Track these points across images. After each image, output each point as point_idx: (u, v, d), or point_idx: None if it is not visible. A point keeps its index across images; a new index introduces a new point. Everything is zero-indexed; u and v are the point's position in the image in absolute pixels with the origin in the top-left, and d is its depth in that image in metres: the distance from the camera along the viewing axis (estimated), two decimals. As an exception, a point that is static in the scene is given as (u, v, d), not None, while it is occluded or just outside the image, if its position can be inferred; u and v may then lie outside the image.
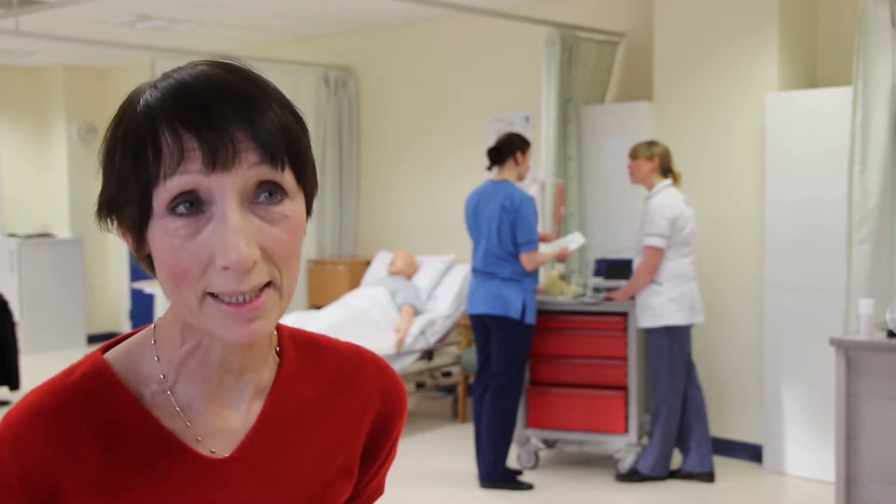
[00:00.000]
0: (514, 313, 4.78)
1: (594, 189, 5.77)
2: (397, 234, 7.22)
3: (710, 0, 5.29)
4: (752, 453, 5.24)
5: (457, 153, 6.82)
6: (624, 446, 4.97)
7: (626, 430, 4.97)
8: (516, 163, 4.90)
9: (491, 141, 5.40)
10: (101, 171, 0.90)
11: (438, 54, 6.93)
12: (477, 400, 4.95)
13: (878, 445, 3.74)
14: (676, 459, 5.04)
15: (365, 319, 6.02)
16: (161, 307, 7.30)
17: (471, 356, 5.84)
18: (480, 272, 4.90)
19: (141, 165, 0.85)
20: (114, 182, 0.88)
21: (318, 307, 6.94)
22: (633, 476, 4.90)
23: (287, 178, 0.88)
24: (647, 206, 4.85)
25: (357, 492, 1.10)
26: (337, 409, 1.04)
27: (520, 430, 5.11)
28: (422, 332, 6.08)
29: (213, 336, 0.89)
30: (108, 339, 1.01)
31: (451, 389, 6.79)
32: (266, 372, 1.00)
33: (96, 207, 0.91)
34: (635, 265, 4.92)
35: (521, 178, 4.95)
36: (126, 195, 0.87)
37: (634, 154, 4.91)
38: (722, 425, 5.33)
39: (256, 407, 0.99)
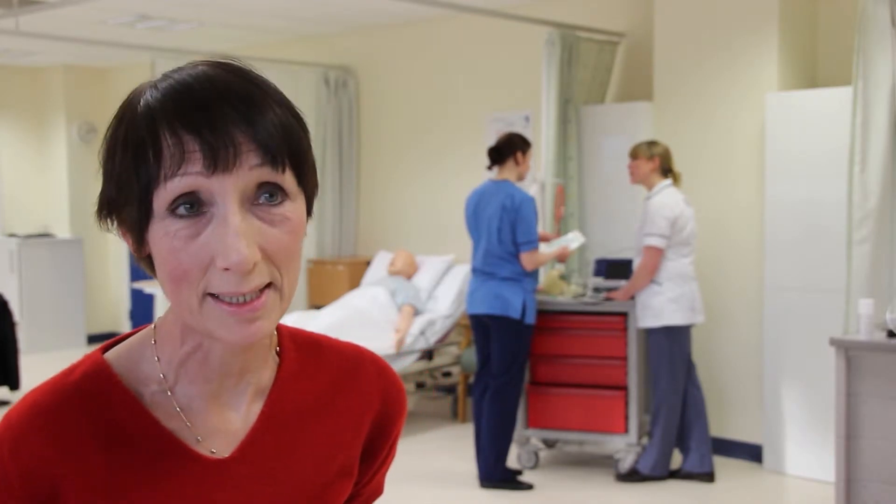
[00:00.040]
0: (514, 313, 4.78)
1: (594, 189, 5.77)
2: (397, 234, 7.22)
3: (710, 0, 5.29)
4: (752, 453, 5.24)
5: (457, 153, 6.82)
6: (624, 446, 4.97)
7: (626, 430, 4.97)
8: (517, 163, 4.90)
9: (491, 141, 5.40)
10: (101, 171, 0.90)
11: (438, 54, 6.93)
12: (477, 400, 4.95)
13: (878, 445, 3.74)
14: (676, 459, 5.04)
15: (365, 319, 6.02)
16: (161, 307, 7.30)
17: (471, 356, 5.84)
18: (480, 272, 4.90)
19: (141, 166, 0.85)
20: (114, 182, 0.88)
21: (318, 307, 6.94)
22: (633, 476, 4.90)
23: (288, 180, 0.88)
24: (647, 206, 4.85)
25: (356, 491, 1.10)
26: (337, 409, 1.04)
27: (520, 430, 5.11)
28: (422, 332, 6.08)
29: (214, 337, 0.89)
30: (108, 339, 1.00)
31: (451, 389, 6.79)
32: (266, 372, 1.00)
33: (96, 207, 0.91)
34: (635, 265, 4.92)
35: (521, 178, 4.94)
36: (126, 196, 0.87)
37: (635, 154, 4.91)
38: (722, 425, 5.33)
39: (256, 407, 0.99)
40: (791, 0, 5.14)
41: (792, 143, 4.92)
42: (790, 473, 5.01)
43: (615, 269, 5.17)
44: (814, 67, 5.34)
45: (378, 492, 1.15)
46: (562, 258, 5.08)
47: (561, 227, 5.60)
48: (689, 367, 4.94)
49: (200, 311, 0.87)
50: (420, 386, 6.61)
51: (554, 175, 5.57)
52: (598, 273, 5.23)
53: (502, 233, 4.81)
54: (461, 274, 6.38)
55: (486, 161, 4.98)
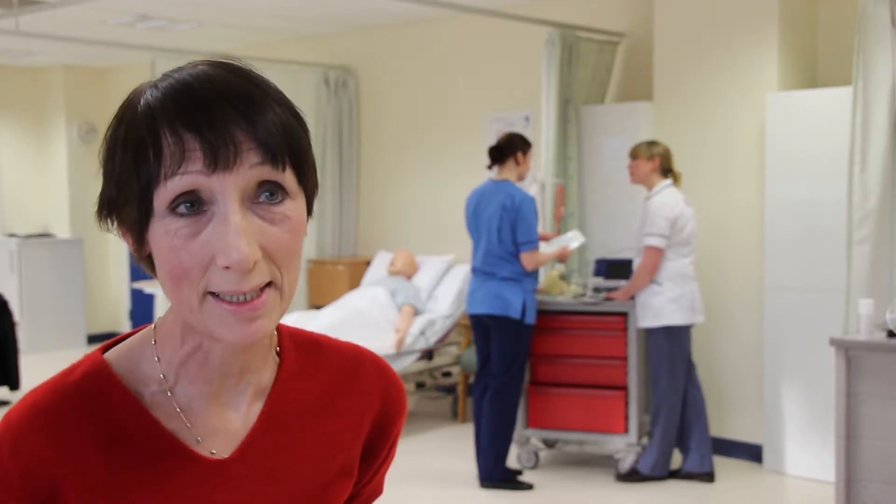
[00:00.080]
0: (514, 313, 4.78)
1: (594, 189, 5.77)
2: (397, 234, 7.22)
3: (710, 0, 5.29)
4: (752, 453, 5.24)
5: (457, 153, 6.82)
6: (624, 446, 4.97)
7: (626, 430, 4.97)
8: (517, 163, 4.90)
9: (491, 141, 5.40)
10: (101, 172, 0.90)
11: (438, 54, 6.93)
12: (477, 400, 4.95)
13: (878, 445, 3.74)
14: (676, 459, 5.04)
15: (365, 319, 6.02)
16: (161, 307, 7.29)
17: (471, 356, 5.84)
18: (480, 272, 4.90)
19: (141, 165, 0.85)
20: (114, 182, 0.88)
21: (318, 307, 6.94)
22: (633, 476, 4.90)
23: (288, 178, 0.88)
24: (647, 206, 4.85)
25: (356, 491, 1.10)
26: (337, 409, 1.04)
27: (520, 430, 5.11)
28: (422, 332, 6.08)
29: (214, 336, 0.89)
30: (108, 339, 1.00)
31: (451, 389, 6.79)
32: (266, 373, 1.00)
33: (96, 207, 0.91)
34: (635, 265, 4.92)
35: (521, 178, 4.94)
36: (126, 195, 0.87)
37: (635, 154, 4.91)
38: (722, 425, 5.33)
39: (256, 407, 0.99)
40: (791, 0, 5.14)
41: (792, 143, 4.92)
42: (790, 473, 5.01)
43: (615, 269, 5.17)
44: (814, 67, 5.34)
45: (378, 492, 1.15)
46: (562, 258, 5.08)
47: (561, 227, 5.60)
48: (689, 367, 4.94)
49: (201, 310, 0.87)
50: (420, 386, 6.61)
51: (554, 175, 5.57)
52: (598, 273, 5.23)
53: (502, 233, 4.81)
54: (461, 274, 6.38)
55: (486, 161, 4.97)
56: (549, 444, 5.36)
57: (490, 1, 5.89)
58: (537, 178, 5.61)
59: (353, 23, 7.08)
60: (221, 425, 0.96)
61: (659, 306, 4.80)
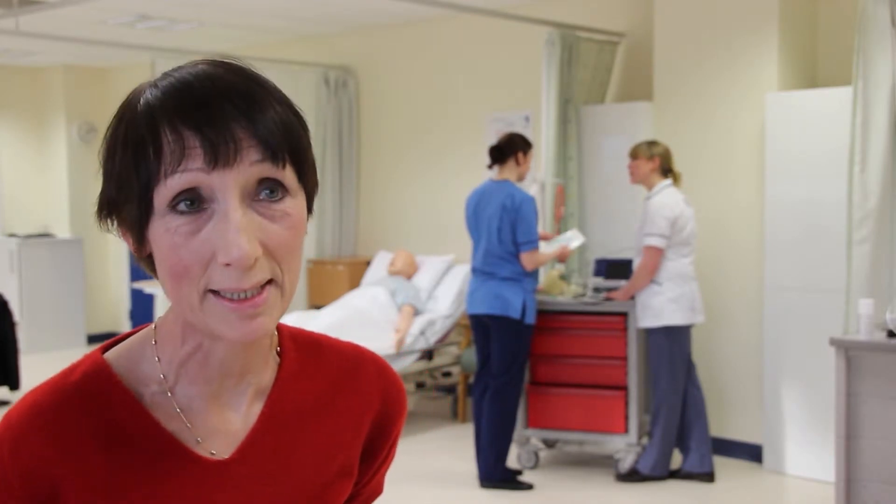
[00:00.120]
0: (514, 313, 4.77)
1: (594, 189, 5.77)
2: (397, 234, 7.22)
3: (710, 0, 5.29)
4: (752, 453, 5.24)
5: (457, 153, 6.82)
6: (624, 446, 4.97)
7: (626, 430, 4.97)
8: (517, 163, 4.90)
9: (491, 141, 5.40)
10: (100, 171, 0.90)
11: (438, 54, 6.93)
12: (477, 400, 4.95)
13: (878, 445, 3.74)
14: (676, 459, 5.04)
15: (365, 319, 6.02)
16: (161, 307, 7.30)
17: (471, 356, 5.84)
18: (480, 272, 4.90)
19: (141, 163, 0.85)
20: (114, 181, 0.88)
21: (318, 307, 6.94)
22: (633, 476, 4.90)
23: (288, 176, 0.88)
24: (647, 206, 4.85)
25: (356, 491, 1.10)
26: (337, 409, 1.04)
27: (520, 430, 5.11)
28: (422, 332, 6.08)
29: (215, 333, 0.88)
30: (108, 339, 1.00)
31: (451, 389, 6.79)
32: (267, 373, 1.00)
33: (96, 208, 0.91)
34: (635, 265, 4.92)
35: (521, 178, 4.94)
36: (126, 194, 0.87)
37: (635, 154, 4.91)
38: (722, 425, 5.33)
39: (256, 408, 0.98)
40: (791, 0, 5.14)
41: (792, 143, 4.92)
42: (790, 473, 5.01)
43: (615, 269, 5.17)
44: (814, 67, 5.34)
45: (378, 491, 1.15)
46: (562, 258, 5.08)
47: (561, 227, 5.60)
48: (689, 367, 4.93)
49: (201, 307, 0.87)
50: (420, 386, 6.61)
51: (554, 175, 5.57)
52: (598, 273, 5.23)
53: (502, 233, 4.80)
54: (461, 274, 6.38)
55: (486, 161, 4.97)
56: (549, 444, 5.36)
57: (490, 1, 5.89)
58: (537, 178, 5.61)
59: (353, 23, 7.08)
60: (221, 426, 0.96)
61: (659, 306, 4.80)
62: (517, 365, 4.86)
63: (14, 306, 7.46)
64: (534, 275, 4.90)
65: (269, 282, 0.87)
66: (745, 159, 5.21)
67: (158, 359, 0.95)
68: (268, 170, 0.86)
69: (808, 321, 4.88)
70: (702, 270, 5.18)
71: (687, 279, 4.82)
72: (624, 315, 4.97)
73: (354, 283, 6.93)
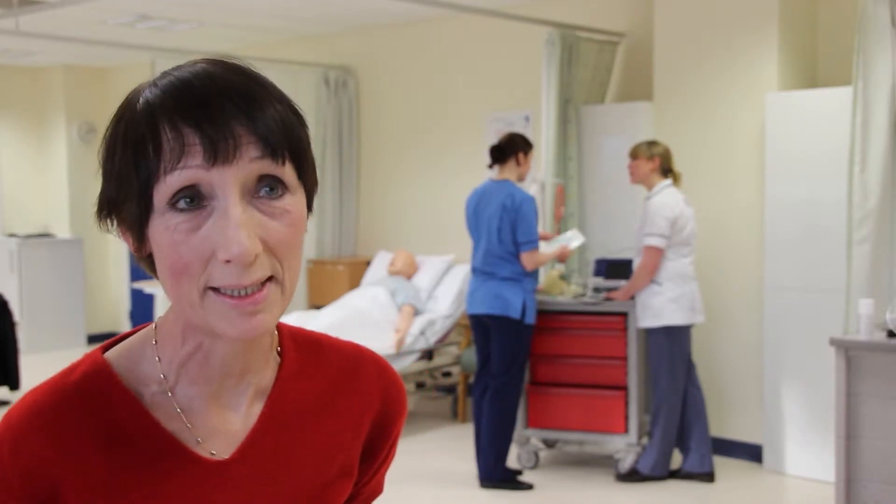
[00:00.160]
0: (514, 313, 4.77)
1: (594, 189, 5.77)
2: (397, 234, 7.22)
3: (710, 0, 5.29)
4: (752, 453, 5.23)
5: (457, 153, 6.82)
6: (624, 446, 4.97)
7: (626, 430, 4.97)
8: (518, 163, 4.90)
9: (491, 141, 5.40)
10: (100, 171, 0.90)
11: (438, 54, 6.93)
12: (477, 400, 4.95)
13: (878, 445, 3.74)
14: (676, 459, 5.04)
15: (365, 319, 6.02)
16: (161, 307, 7.30)
17: (471, 356, 5.84)
18: (480, 272, 4.90)
19: (141, 162, 0.85)
20: (114, 180, 0.88)
21: (318, 307, 6.94)
22: (633, 476, 4.90)
23: (288, 173, 0.88)
24: (647, 206, 4.85)
25: (356, 491, 1.10)
26: (337, 409, 1.04)
27: (520, 430, 5.11)
28: (422, 332, 6.08)
29: (215, 331, 0.88)
30: (107, 339, 1.00)
31: (451, 389, 6.79)
32: (267, 373, 1.00)
33: (96, 208, 0.91)
34: (635, 265, 4.92)
35: (521, 178, 4.94)
36: (126, 192, 0.87)
37: (635, 154, 4.91)
38: (722, 425, 5.33)
39: (257, 408, 0.98)
40: (791, 0, 5.14)
41: (792, 143, 4.92)
42: (790, 473, 5.01)
43: (615, 269, 5.17)
44: (814, 67, 5.34)
45: (378, 491, 1.15)
46: (562, 258, 5.08)
47: (561, 227, 5.60)
48: (689, 367, 4.93)
49: (202, 305, 0.87)
50: (420, 386, 6.61)
51: (554, 175, 5.57)
52: (598, 273, 5.23)
53: (502, 232, 4.80)
54: (461, 274, 6.38)
55: (486, 161, 4.97)
56: (549, 444, 5.36)
57: (490, 1, 5.89)
58: (537, 178, 5.60)
59: (353, 23, 7.08)
60: (221, 426, 0.96)
61: (659, 306, 4.80)
62: (517, 365, 4.86)
63: (14, 306, 7.46)
64: (534, 275, 4.90)
65: (270, 279, 0.87)
66: (745, 159, 5.21)
67: (159, 359, 0.95)
68: (267, 166, 0.86)
69: (808, 321, 4.88)
70: (702, 270, 5.18)
71: (687, 279, 4.82)
72: (624, 315, 4.97)
73: (354, 283, 6.93)
